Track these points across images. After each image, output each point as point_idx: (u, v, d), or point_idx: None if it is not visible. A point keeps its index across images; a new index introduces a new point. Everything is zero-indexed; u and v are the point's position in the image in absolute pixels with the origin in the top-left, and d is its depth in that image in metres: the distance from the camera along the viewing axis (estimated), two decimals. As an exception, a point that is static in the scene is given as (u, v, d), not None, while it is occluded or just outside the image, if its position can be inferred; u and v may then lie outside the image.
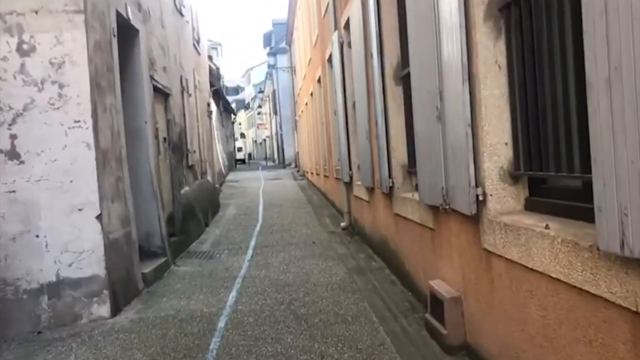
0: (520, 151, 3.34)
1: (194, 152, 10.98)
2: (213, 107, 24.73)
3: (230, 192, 19.14)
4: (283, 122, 38.93)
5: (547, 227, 2.76)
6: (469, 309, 3.90)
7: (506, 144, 3.42)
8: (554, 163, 2.96)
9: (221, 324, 5.00)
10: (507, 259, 3.16)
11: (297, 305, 5.43)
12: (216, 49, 47.08)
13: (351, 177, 9.30)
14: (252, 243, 9.08)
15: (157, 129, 8.26)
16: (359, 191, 8.55)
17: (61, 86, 5.32)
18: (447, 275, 4.35)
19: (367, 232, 8.20)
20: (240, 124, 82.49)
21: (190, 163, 10.40)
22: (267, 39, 40.87)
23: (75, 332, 5.06)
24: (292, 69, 29.70)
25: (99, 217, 5.37)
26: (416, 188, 5.82)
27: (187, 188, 9.90)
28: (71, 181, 5.33)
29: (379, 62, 6.19)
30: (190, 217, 9.55)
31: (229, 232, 10.34)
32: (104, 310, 5.36)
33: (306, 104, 20.10)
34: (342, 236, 9.33)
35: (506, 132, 3.42)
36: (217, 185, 17.51)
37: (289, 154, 38.75)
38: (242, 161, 55.46)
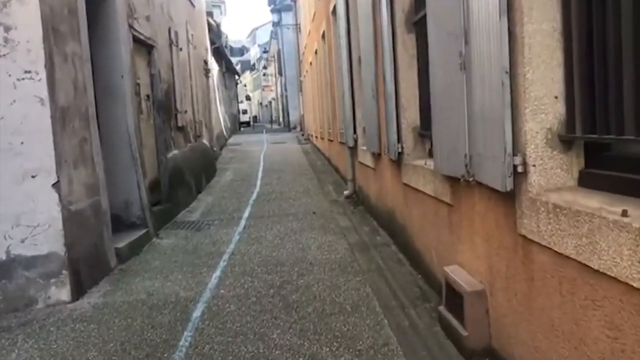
0: (576, 107, 2.48)
1: (185, 112, 10.11)
2: (214, 66, 23.70)
3: (230, 156, 18.31)
4: (288, 83, 37.76)
5: (625, 213, 1.92)
6: (497, 308, 3.10)
7: (556, 97, 2.56)
8: (620, 123, 2.11)
9: (197, 312, 4.25)
10: (556, 252, 2.34)
11: (288, 289, 4.67)
12: (219, 6, 45.59)
13: (356, 142, 8.44)
14: (246, 213, 8.30)
15: (138, 85, 7.40)
16: (364, 157, 7.71)
17: (7, 29, 4.45)
18: (468, 261, 3.55)
19: (373, 202, 7.39)
20: (245, 85, 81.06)
21: (180, 124, 9.55)
22: (272, -3, 39.35)
23: (27, 319, 4.32)
24: (297, 27, 28.47)
25: (56, 185, 4.56)
26: (430, 154, 4.98)
27: (175, 151, 9.08)
28: (22, 143, 4.51)
29: (389, 5, 5.26)
30: (179, 183, 8.76)
31: (222, 200, 9.55)
32: (63, 293, 4.61)
33: (310, 63, 19.07)
34: (345, 206, 8.53)
35: (557, 81, 2.55)
36: (215, 149, 16.70)
37: (294, 116, 37.73)
38: (247, 124, 54.39)
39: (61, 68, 4.82)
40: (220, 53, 27.68)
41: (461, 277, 3.50)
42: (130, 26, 6.97)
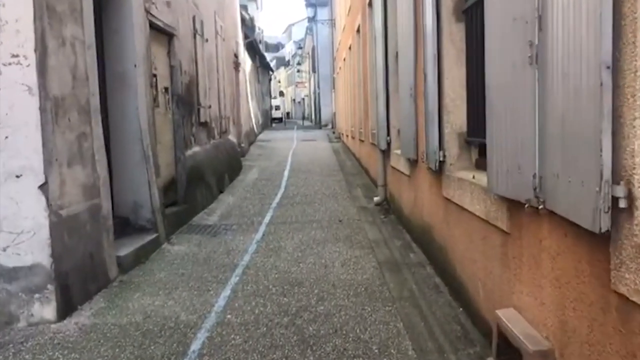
0: None
1: (209, 107, 9.52)
2: (246, 60, 23.18)
3: (258, 152, 17.74)
4: (321, 80, 37.07)
5: None
6: (572, 380, 2.36)
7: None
8: None
9: (196, 344, 3.60)
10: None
11: (305, 318, 3.99)
12: (255, 0, 45.21)
13: (389, 145, 7.71)
14: (267, 217, 7.66)
15: (154, 77, 6.81)
16: (398, 162, 6.98)
17: (-7, 6, 3.87)
18: (528, 308, 2.81)
19: (406, 212, 6.66)
20: (279, 81, 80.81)
21: (202, 120, 8.96)
22: (309, -9, 38.64)
23: (3, 341, 3.75)
24: (331, 22, 27.78)
25: (43, 187, 3.98)
26: (477, 166, 4.24)
27: (196, 148, 8.49)
28: (6, 137, 3.94)
29: (434, -10, 4.53)
30: (198, 182, 8.17)
31: (244, 202, 8.94)
32: (47, 311, 4.02)
33: (344, 59, 18.35)
34: (374, 214, 7.81)
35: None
36: (243, 145, 16.14)
37: (326, 114, 37.04)
38: (280, 120, 53.92)
39: (56, 53, 4.23)
40: (253, 47, 27.18)
41: (519, 327, 2.76)
42: (147, 11, 6.38)
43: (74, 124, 4.48)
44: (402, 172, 6.67)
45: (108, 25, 5.92)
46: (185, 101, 7.93)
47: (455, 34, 4.43)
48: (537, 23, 2.46)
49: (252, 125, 23.41)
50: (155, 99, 6.84)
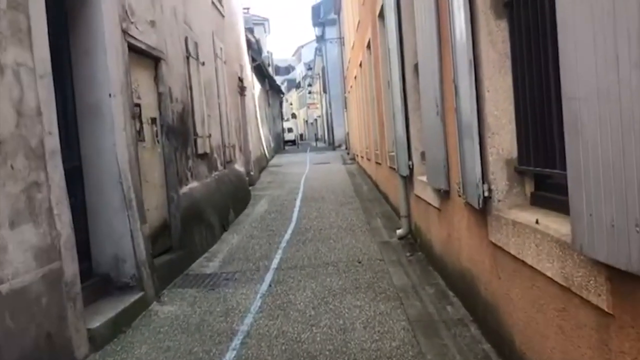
0: None
1: (209, 136, 8.62)
2: (255, 84, 22.44)
3: (268, 180, 16.83)
4: (332, 100, 36.29)
5: None
6: None
7: None
8: None
9: None
10: None
11: (319, 419, 2.98)
12: (262, 24, 44.90)
13: (411, 170, 6.72)
14: (275, 261, 6.67)
15: (137, 106, 5.93)
16: (424, 191, 5.98)
17: None
18: None
19: (437, 251, 5.63)
20: (291, 104, 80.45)
21: (200, 151, 8.06)
22: (316, 12, 38.07)
23: None
24: (340, 40, 27.04)
25: (-30, 260, 3.05)
26: (534, 202, 3.25)
27: (194, 184, 7.57)
28: None
29: (465, -19, 3.57)
30: (196, 223, 7.23)
31: (250, 241, 7.96)
32: (-20, 423, 3.07)
33: (355, 77, 17.48)
34: (398, 250, 6.79)
35: None
36: (252, 173, 15.24)
37: (338, 134, 36.15)
38: (292, 142, 53.20)
39: (-11, 85, 3.34)
40: (262, 71, 26.51)
41: None
42: (125, 31, 5.51)
43: (19, 172, 3.57)
44: (430, 204, 5.67)
45: (77, 48, 5.05)
46: (178, 132, 7.03)
47: (495, 34, 3.45)
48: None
49: (263, 151, 22.57)
50: (139, 132, 5.95)
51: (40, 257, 3.70)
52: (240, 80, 14.49)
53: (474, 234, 4.01)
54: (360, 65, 14.54)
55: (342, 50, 26.92)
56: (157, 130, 6.45)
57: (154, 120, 6.39)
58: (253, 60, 22.06)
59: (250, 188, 13.35)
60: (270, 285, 5.63)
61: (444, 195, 4.89)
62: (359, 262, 6.32)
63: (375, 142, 12.21)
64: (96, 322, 4.37)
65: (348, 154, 26.88)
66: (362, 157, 17.92)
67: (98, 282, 5.06)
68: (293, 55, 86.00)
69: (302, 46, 73.38)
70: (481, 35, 3.47)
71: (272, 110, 34.63)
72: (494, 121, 3.45)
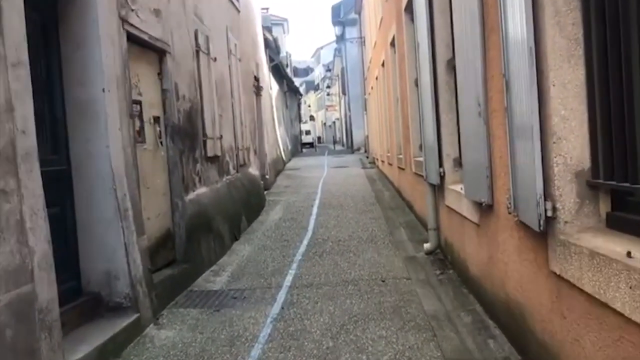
0: None
1: (219, 138, 8.00)
2: (272, 85, 21.86)
3: (285, 184, 16.18)
4: (352, 102, 35.55)
5: None
6: None
7: None
8: None
9: None
10: None
11: None
12: (281, 25, 44.38)
13: (442, 178, 6.02)
14: (289, 277, 6.01)
15: (137, 104, 5.33)
16: (458, 203, 5.28)
17: None
18: None
19: (474, 272, 4.93)
20: (309, 106, 79.91)
21: (210, 154, 7.44)
22: (336, 12, 37.34)
23: None
24: (361, 40, 26.37)
25: None
26: (611, 224, 2.56)
27: (202, 189, 6.95)
28: None
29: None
30: (203, 233, 6.60)
31: (262, 253, 7.31)
32: None
33: (376, 78, 16.78)
34: (426, 267, 6.10)
35: None
36: (268, 176, 14.62)
37: (357, 137, 35.41)
38: (310, 144, 52.56)
39: (-61, 72, 2.73)
40: (280, 71, 25.95)
41: None
42: (124, 19, 4.91)
43: (-21, 179, 2.96)
44: (466, 218, 4.97)
45: (67, 36, 4.46)
46: (184, 133, 6.42)
47: (564, 15, 2.76)
48: None
49: (280, 153, 21.97)
50: (139, 133, 5.34)
51: (5, 281, 3.08)
52: (256, 79, 13.88)
53: (528, 260, 3.31)
54: (383, 64, 13.85)
55: (363, 51, 26.26)
56: (160, 131, 5.84)
57: (157, 119, 5.78)
58: (271, 60, 21.48)
59: (265, 192, 12.73)
60: (282, 308, 4.98)
61: (486, 209, 4.19)
62: (383, 281, 5.64)
63: (398, 146, 11.51)
64: (79, 353, 3.75)
65: (367, 157, 26.16)
66: (382, 161, 17.22)
67: (87, 303, 4.45)
68: (312, 57, 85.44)
69: (321, 47, 72.80)
70: (545, 16, 2.78)
71: (290, 112, 34.06)
72: (561, 123, 2.76)
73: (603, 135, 2.62)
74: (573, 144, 2.75)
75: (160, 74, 5.93)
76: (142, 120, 5.42)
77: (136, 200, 4.90)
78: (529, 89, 2.87)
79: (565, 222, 2.75)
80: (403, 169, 10.78)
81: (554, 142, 2.76)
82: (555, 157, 2.77)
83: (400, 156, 11.08)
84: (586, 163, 2.74)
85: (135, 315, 4.53)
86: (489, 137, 4.00)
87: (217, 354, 4.03)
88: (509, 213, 3.45)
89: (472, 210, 4.70)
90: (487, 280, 4.42)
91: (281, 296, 5.33)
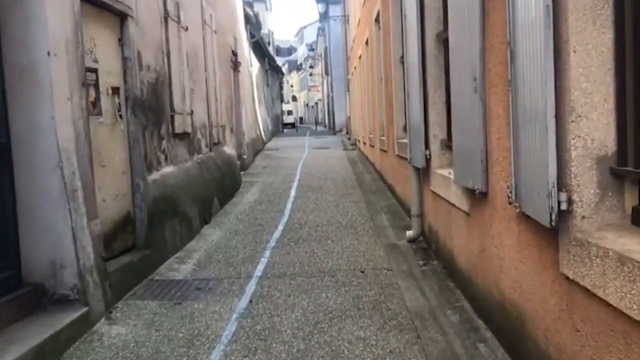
0: None
1: (190, 113, 7.43)
2: (253, 62, 21.17)
3: (263, 164, 15.64)
4: (334, 83, 34.92)
5: None
6: None
7: None
8: None
9: None
10: None
11: None
12: (264, 1, 43.38)
13: (428, 161, 5.56)
14: (261, 266, 5.54)
15: (93, 72, 4.75)
16: (445, 188, 4.83)
17: None
18: None
19: (461, 264, 4.50)
20: (292, 86, 78.84)
21: (179, 130, 6.88)
22: (320, -11, 36.53)
23: None
24: (345, 18, 25.72)
25: None
26: (637, 221, 2.11)
27: (169, 169, 6.41)
28: None
29: None
30: (168, 216, 6.08)
31: (233, 238, 6.81)
32: None
33: (360, 57, 16.23)
34: (409, 257, 5.67)
35: None
36: (244, 156, 14.06)
37: (339, 118, 34.86)
38: (292, 125, 51.87)
39: None
40: (261, 48, 25.20)
41: None
42: (75, -25, 4.32)
43: None
44: (454, 205, 4.52)
45: (6, -7, 3.87)
46: (149, 106, 5.86)
47: (588, -34, 2.28)
48: None
49: (259, 133, 21.36)
50: (95, 104, 4.78)
51: None
52: (234, 54, 13.24)
53: (531, 257, 2.87)
54: (367, 42, 13.31)
55: (347, 30, 25.61)
56: (120, 103, 5.27)
57: (116, 90, 5.20)
58: (252, 36, 20.76)
59: (242, 173, 12.19)
60: (250, 301, 4.50)
61: (479, 197, 3.73)
62: (362, 272, 5.19)
63: (381, 128, 11.03)
64: (9, 356, 3.24)
65: (349, 139, 25.68)
66: (364, 143, 16.75)
67: (28, 295, 3.93)
68: (295, 37, 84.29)
69: (305, 27, 71.83)
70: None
71: (271, 91, 33.31)
72: (582, 98, 2.29)
73: (634, 114, 2.17)
74: (595, 123, 2.29)
75: (121, 40, 5.34)
76: (98, 91, 4.85)
77: (88, 180, 4.36)
78: (542, 56, 2.40)
79: (583, 217, 2.31)
80: (385, 152, 10.32)
81: (572, 121, 2.30)
82: (573, 139, 2.31)
83: (383, 138, 10.61)
84: (611, 147, 2.29)
85: (84, 309, 4.02)
86: (486, 115, 3.54)
87: (172, 356, 3.55)
88: (510, 203, 2.99)
89: (461, 197, 4.25)
90: (477, 274, 3.99)
91: (250, 288, 4.85)
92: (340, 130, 34.17)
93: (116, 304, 4.50)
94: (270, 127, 29.21)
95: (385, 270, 5.22)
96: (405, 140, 7.28)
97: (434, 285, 4.75)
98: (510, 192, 2.95)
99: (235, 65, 13.49)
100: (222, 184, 9.08)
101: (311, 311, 4.23)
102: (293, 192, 10.15)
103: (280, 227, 7.24)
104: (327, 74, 39.08)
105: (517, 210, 2.90)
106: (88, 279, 4.15)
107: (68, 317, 3.87)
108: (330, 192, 10.06)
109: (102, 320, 4.19)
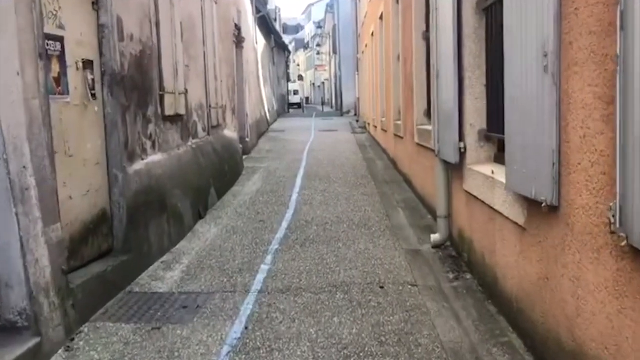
0: None
1: (183, 93, 6.53)
2: (258, 38, 20.14)
3: (267, 147, 14.74)
4: (343, 62, 33.72)
5: None
6: None
7: None
8: None
9: None
10: None
11: None
12: (271, -24, 41.95)
13: (462, 155, 4.66)
14: (261, 276, 4.68)
15: (57, 41, 3.85)
16: (488, 192, 3.93)
17: None
18: None
19: (510, 289, 3.62)
20: (298, 65, 77.46)
21: (169, 112, 5.99)
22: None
23: None
24: (356, -6, 24.59)
25: None
26: None
27: (156, 157, 5.54)
28: None
29: None
30: (154, 213, 5.22)
31: (230, 238, 5.94)
32: None
33: (372, 34, 15.21)
34: (435, 266, 4.81)
35: None
36: (247, 139, 13.17)
37: (348, 100, 33.74)
38: (298, 105, 50.81)
39: None
40: (267, 24, 24.11)
41: None
42: None
43: None
44: (500, 214, 3.64)
45: None
46: (132, 84, 4.96)
47: None
48: None
49: (264, 113, 20.43)
50: (58, 81, 3.89)
51: None
52: (238, 28, 12.27)
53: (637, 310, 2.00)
54: (381, 17, 12.30)
55: (357, 6, 24.46)
56: (93, 80, 4.37)
57: (89, 64, 4.30)
58: (257, 11, 19.70)
59: (244, 158, 11.33)
60: (246, 328, 3.65)
61: (547, 211, 2.84)
62: (382, 287, 4.33)
63: (396, 111, 10.10)
64: None
65: (358, 122, 24.69)
66: (375, 127, 15.81)
67: (-38, 322, 3.10)
68: (303, 14, 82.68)
69: (313, 4, 70.15)
70: None
71: (277, 70, 32.25)
72: None
73: None
74: None
75: (95, 4, 4.42)
76: (64, 64, 3.95)
77: (46, 175, 3.49)
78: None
79: None
80: (402, 138, 9.40)
81: None
82: None
83: (399, 123, 9.69)
84: None
85: (34, 341, 3.19)
86: (561, 104, 2.64)
87: (140, 414, 2.71)
88: (612, 232, 2.11)
89: (514, 205, 3.36)
90: (534, 307, 3.12)
91: (247, 307, 4.00)
92: (348, 112, 33.12)
93: (81, 327, 3.67)
94: (275, 108, 28.25)
95: (409, 286, 4.36)
96: (428, 127, 6.39)
97: (470, 309, 3.89)
98: (613, 215, 2.06)
99: (239, 40, 12.53)
100: (220, 172, 8.20)
101: (321, 345, 3.38)
102: (299, 182, 9.26)
103: (285, 225, 6.37)
104: (335, 52, 37.87)
105: (624, 243, 2.01)
106: (42, 301, 3.31)
107: (12, 353, 3.04)
108: (339, 182, 9.17)
109: (60, 351, 3.36)
